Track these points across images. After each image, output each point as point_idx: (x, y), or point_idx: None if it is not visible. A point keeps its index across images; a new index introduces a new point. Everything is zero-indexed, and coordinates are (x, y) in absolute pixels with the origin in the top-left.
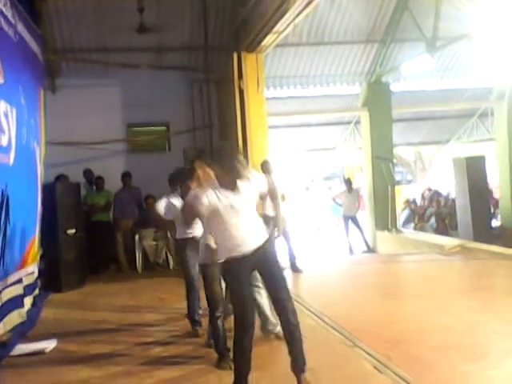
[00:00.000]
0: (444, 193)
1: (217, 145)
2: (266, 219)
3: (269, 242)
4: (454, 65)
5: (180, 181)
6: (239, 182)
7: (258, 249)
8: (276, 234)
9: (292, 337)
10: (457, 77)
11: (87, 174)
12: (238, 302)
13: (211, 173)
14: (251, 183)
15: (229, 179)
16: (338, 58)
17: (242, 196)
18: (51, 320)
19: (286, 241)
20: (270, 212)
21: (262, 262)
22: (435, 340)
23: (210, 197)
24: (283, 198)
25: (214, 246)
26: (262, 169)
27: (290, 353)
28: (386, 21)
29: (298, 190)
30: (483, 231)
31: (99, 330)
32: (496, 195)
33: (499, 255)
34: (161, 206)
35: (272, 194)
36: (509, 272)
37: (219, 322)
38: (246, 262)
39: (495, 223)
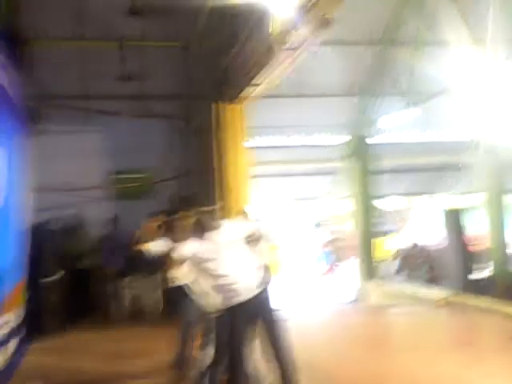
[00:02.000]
0: (430, 243)
1: (192, 194)
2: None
3: (263, 289)
4: (434, 118)
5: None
6: (215, 230)
7: (255, 298)
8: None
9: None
10: (436, 130)
11: (72, 220)
12: (232, 345)
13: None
14: (230, 229)
15: (205, 227)
16: (319, 110)
17: (220, 242)
18: (32, 368)
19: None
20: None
21: (261, 308)
22: None
23: (192, 245)
24: (272, 246)
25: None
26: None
27: None
28: (366, 73)
29: (286, 239)
30: (472, 283)
31: (80, 382)
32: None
33: (487, 309)
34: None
35: (259, 242)
36: (497, 327)
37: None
38: (244, 310)
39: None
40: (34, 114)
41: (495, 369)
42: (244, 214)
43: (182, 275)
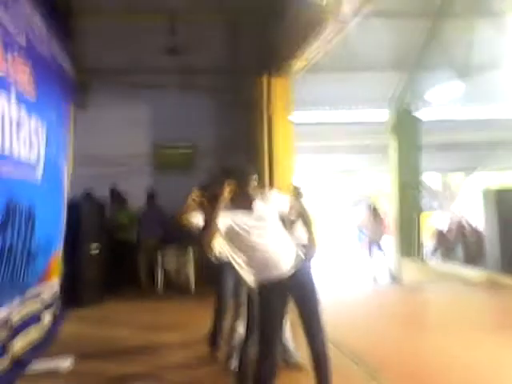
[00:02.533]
0: (471, 222)
1: (232, 165)
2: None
3: (305, 267)
4: (483, 93)
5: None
6: (256, 203)
7: (294, 275)
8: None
9: (321, 368)
10: (486, 105)
11: (113, 191)
12: (267, 326)
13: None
14: (268, 203)
15: (244, 200)
16: (366, 84)
17: (258, 215)
18: (69, 336)
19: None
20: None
21: (298, 289)
22: (458, 377)
23: (228, 217)
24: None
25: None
26: (293, 194)
27: (317, 380)
28: (416, 47)
29: (326, 215)
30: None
31: (116, 350)
32: None
33: None
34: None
35: (302, 217)
36: None
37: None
38: (281, 287)
39: None
40: (82, 86)
41: None
42: (294, 189)
43: (219, 246)
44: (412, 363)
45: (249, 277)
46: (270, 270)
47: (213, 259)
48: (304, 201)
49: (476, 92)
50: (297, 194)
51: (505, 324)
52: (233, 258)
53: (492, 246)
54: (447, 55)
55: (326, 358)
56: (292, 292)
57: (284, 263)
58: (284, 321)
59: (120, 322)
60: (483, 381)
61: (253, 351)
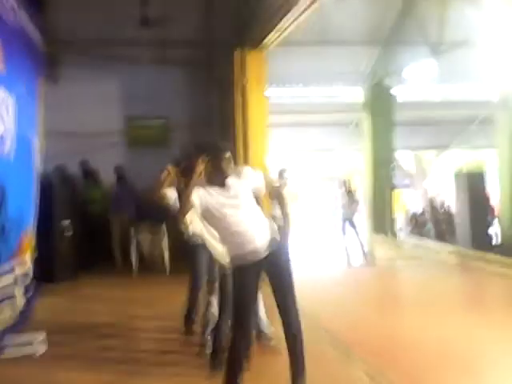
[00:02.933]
0: (442, 200)
1: (207, 141)
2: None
3: (280, 243)
4: (457, 71)
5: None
6: (230, 179)
7: (269, 252)
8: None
9: (294, 342)
10: (459, 83)
11: (84, 165)
12: (241, 303)
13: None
14: (242, 179)
15: (218, 176)
16: (340, 58)
17: (232, 192)
18: (43, 311)
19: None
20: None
21: (272, 267)
22: (431, 352)
23: (202, 195)
24: (295, 197)
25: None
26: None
27: (291, 362)
28: (391, 23)
29: (301, 193)
30: (481, 244)
31: (90, 324)
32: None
33: (497, 264)
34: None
35: (274, 194)
36: (507, 283)
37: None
38: (255, 265)
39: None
40: (53, 59)
41: (507, 326)
42: (279, 172)
43: (193, 222)
44: (385, 340)
45: (222, 254)
46: (244, 247)
47: (186, 238)
48: (288, 183)
49: (449, 70)
50: (282, 176)
51: (475, 300)
52: (206, 235)
53: (463, 225)
54: (421, 31)
55: (299, 335)
56: (266, 269)
57: (258, 240)
58: (257, 296)
59: (94, 297)
60: (455, 355)
61: (227, 326)
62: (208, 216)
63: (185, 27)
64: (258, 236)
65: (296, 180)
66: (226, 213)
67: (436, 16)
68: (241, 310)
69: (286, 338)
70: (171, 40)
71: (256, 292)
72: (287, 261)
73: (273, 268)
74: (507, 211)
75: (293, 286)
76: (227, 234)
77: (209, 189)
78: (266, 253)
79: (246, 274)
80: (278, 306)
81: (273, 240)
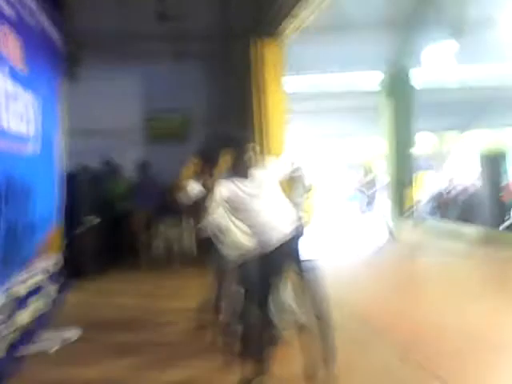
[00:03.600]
0: (466, 183)
1: (230, 133)
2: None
3: (295, 236)
4: (480, 51)
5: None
6: (253, 170)
7: (290, 241)
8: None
9: (324, 331)
10: (482, 63)
11: (108, 163)
12: (264, 290)
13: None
14: (267, 170)
15: (242, 167)
16: (358, 43)
17: (258, 183)
18: (73, 307)
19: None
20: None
21: (293, 256)
22: (458, 338)
23: (225, 186)
24: (310, 188)
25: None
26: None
27: (322, 348)
28: (409, 4)
29: (319, 179)
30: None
31: (121, 318)
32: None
33: None
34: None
35: (296, 181)
36: None
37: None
38: (279, 251)
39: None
40: (72, 58)
41: None
42: (294, 169)
43: (215, 217)
44: (413, 323)
45: (242, 248)
46: (269, 234)
47: (207, 233)
48: (299, 168)
49: (471, 51)
50: (297, 173)
51: (497, 287)
52: (227, 230)
53: (488, 205)
54: (441, 12)
55: (328, 320)
56: (287, 258)
57: (283, 228)
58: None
59: (123, 291)
60: (477, 338)
61: (252, 316)
62: (232, 207)
63: (201, 20)
64: (281, 224)
65: (312, 169)
66: (249, 203)
67: None
68: (260, 300)
69: (316, 324)
70: (188, 34)
71: (273, 283)
72: (298, 251)
73: (293, 257)
74: None
75: (317, 273)
76: (251, 224)
77: (234, 180)
78: (288, 240)
79: (265, 263)
80: (306, 293)
81: (298, 227)
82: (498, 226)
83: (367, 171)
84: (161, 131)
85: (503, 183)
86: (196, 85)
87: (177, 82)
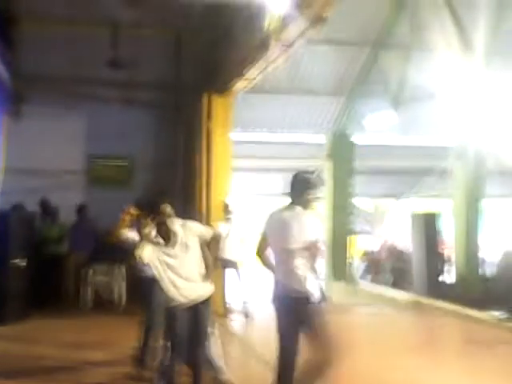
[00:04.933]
0: (399, 246)
1: (146, 193)
2: (225, 262)
3: (207, 299)
4: (417, 122)
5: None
6: (174, 233)
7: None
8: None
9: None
10: (420, 134)
11: (44, 204)
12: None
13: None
14: (188, 232)
15: (163, 229)
16: (305, 107)
17: (178, 244)
18: None
19: (239, 284)
20: (228, 255)
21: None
22: None
23: (150, 250)
24: (242, 240)
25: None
26: (223, 210)
27: None
28: (355, 74)
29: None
30: (437, 287)
31: (39, 368)
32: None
33: (452, 312)
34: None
35: (214, 241)
36: (459, 329)
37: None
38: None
39: (448, 279)
40: (17, 95)
41: (454, 371)
42: (225, 206)
43: (146, 256)
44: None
45: (172, 296)
46: (179, 297)
47: (142, 273)
48: (233, 217)
49: (408, 121)
50: (227, 210)
51: (426, 344)
52: (160, 276)
53: (419, 270)
54: (383, 84)
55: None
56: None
57: (193, 292)
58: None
59: (45, 339)
60: None
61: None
62: (153, 265)
63: (153, 70)
64: (194, 287)
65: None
66: (170, 264)
67: (397, 70)
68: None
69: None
70: (139, 82)
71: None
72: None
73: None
74: (462, 258)
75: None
76: (170, 282)
77: (157, 243)
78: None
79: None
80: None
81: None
82: (432, 285)
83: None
84: (103, 175)
85: (437, 239)
86: (143, 132)
87: (124, 127)
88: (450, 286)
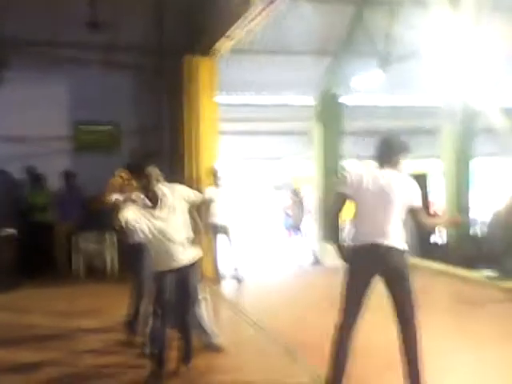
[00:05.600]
0: None
1: (133, 157)
2: (216, 228)
3: (193, 264)
4: (405, 82)
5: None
6: (160, 196)
7: (181, 268)
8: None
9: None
10: (408, 94)
11: (30, 171)
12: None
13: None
14: (174, 195)
15: (149, 191)
16: (292, 68)
17: (165, 207)
18: None
19: (230, 249)
20: (218, 220)
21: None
22: (377, 358)
23: (136, 213)
24: (230, 204)
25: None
26: (210, 175)
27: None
28: (341, 33)
29: (248, 198)
30: (425, 247)
31: (30, 336)
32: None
33: (440, 272)
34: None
35: (202, 205)
36: (448, 288)
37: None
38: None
39: (439, 240)
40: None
41: (443, 329)
42: (214, 171)
43: (131, 218)
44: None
45: (161, 260)
46: (167, 261)
47: (130, 239)
48: (221, 182)
49: (396, 81)
50: (215, 175)
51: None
52: (148, 242)
53: (409, 231)
54: (370, 43)
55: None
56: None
57: (181, 255)
58: (203, 305)
59: (36, 308)
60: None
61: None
62: (139, 228)
63: (135, 32)
64: (180, 251)
65: (239, 184)
66: (155, 226)
67: (383, 29)
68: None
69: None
70: (121, 44)
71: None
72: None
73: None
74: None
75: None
76: (159, 244)
77: (144, 207)
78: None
79: (166, 282)
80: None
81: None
82: (424, 246)
83: (295, 194)
84: (89, 141)
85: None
86: (128, 96)
87: (108, 92)
88: (442, 246)
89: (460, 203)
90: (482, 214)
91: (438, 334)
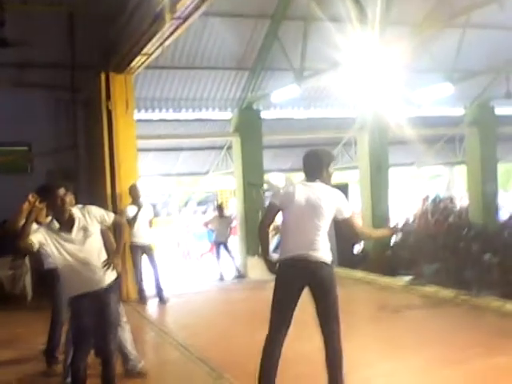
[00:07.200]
0: None
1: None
2: (137, 248)
3: (110, 286)
4: (321, 95)
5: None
6: (73, 220)
7: (98, 291)
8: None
9: None
10: (324, 107)
11: None
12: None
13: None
14: (88, 218)
15: (59, 214)
16: (210, 83)
17: (76, 229)
18: None
19: (153, 269)
20: (141, 239)
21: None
22: (296, 369)
23: (44, 235)
24: (151, 223)
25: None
26: (130, 193)
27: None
28: (257, 48)
29: (169, 215)
30: (347, 257)
31: None
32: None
33: (361, 280)
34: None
35: (117, 226)
36: (369, 296)
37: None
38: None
39: (359, 248)
40: None
41: (365, 338)
42: (134, 188)
43: (36, 240)
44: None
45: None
46: (80, 285)
47: (45, 265)
48: (142, 199)
49: (313, 95)
50: (135, 193)
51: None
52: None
53: (332, 242)
54: (285, 58)
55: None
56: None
57: (96, 277)
58: (126, 327)
59: None
60: (317, 369)
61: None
62: (54, 254)
63: (47, 50)
64: (95, 276)
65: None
66: (69, 252)
67: (299, 42)
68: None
69: None
70: (33, 62)
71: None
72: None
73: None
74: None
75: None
76: (68, 273)
77: (50, 226)
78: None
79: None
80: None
81: (110, 282)
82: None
83: (218, 208)
84: (1, 163)
85: None
86: (41, 115)
87: (20, 111)
88: (363, 255)
89: (376, 211)
90: (399, 222)
91: (359, 344)
